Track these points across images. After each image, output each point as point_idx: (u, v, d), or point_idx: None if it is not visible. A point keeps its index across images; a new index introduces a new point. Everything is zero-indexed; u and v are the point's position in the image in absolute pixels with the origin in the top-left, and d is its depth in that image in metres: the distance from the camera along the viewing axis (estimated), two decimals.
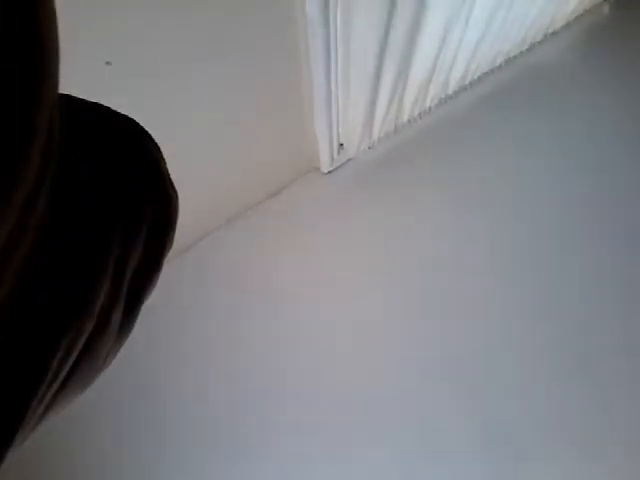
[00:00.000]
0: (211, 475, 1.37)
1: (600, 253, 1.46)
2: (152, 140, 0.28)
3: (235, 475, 1.35)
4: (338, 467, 1.32)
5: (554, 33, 1.82)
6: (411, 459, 1.31)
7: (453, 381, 1.37)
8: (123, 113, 0.26)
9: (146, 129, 0.28)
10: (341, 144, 1.56)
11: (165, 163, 0.29)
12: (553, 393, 1.32)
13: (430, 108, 1.69)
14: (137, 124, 0.27)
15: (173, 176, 0.29)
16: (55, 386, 0.21)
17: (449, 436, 1.32)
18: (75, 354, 0.21)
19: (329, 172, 1.65)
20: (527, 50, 1.79)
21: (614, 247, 1.46)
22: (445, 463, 1.30)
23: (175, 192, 0.29)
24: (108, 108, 0.25)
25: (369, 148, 1.65)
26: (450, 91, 1.67)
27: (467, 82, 1.70)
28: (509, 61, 1.77)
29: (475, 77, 1.71)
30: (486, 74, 1.74)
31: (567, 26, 1.84)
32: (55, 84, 0.15)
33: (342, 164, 1.66)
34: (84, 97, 0.24)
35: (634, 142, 1.61)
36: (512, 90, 1.73)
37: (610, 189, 1.54)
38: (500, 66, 1.76)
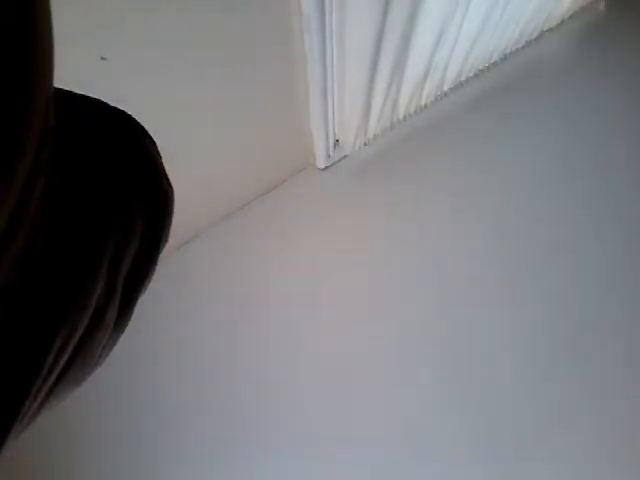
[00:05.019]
0: (209, 473, 1.37)
1: (600, 253, 1.46)
2: (149, 137, 0.28)
3: (232, 474, 1.36)
4: (337, 467, 1.33)
5: (550, 30, 1.82)
6: (410, 459, 1.32)
7: (453, 380, 1.37)
8: (122, 110, 0.26)
9: (143, 126, 0.28)
10: (337, 140, 1.56)
11: (161, 159, 0.29)
12: (553, 393, 1.32)
13: (426, 105, 1.68)
14: (135, 121, 0.27)
15: (169, 172, 0.29)
16: (50, 381, 0.21)
17: (449, 436, 1.32)
18: (70, 349, 0.21)
19: (325, 168, 1.65)
20: (523, 47, 1.79)
21: (614, 247, 1.46)
22: (445, 463, 1.30)
23: (171, 189, 0.29)
24: (107, 104, 0.25)
25: (365, 145, 1.65)
26: (446, 88, 1.67)
27: (463, 79, 1.70)
28: (505, 58, 1.77)
29: (471, 74, 1.71)
30: (482, 71, 1.74)
31: (563, 23, 1.84)
32: (50, 76, 0.15)
33: (338, 160, 1.65)
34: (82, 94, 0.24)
35: (632, 139, 1.61)
36: (508, 87, 1.73)
37: (609, 186, 1.54)
38: (496, 63, 1.76)
